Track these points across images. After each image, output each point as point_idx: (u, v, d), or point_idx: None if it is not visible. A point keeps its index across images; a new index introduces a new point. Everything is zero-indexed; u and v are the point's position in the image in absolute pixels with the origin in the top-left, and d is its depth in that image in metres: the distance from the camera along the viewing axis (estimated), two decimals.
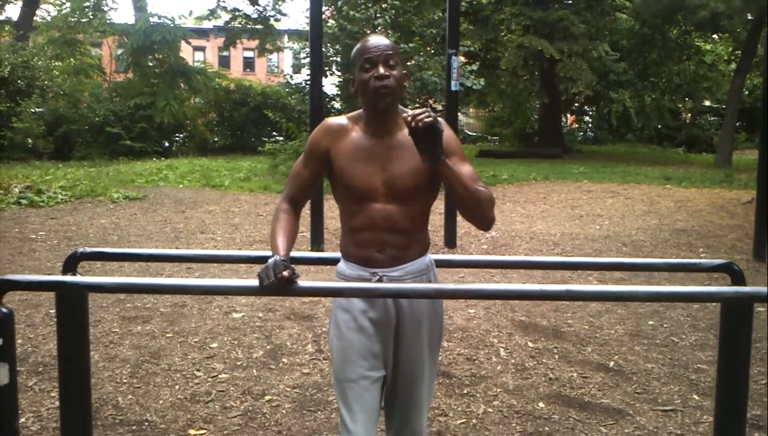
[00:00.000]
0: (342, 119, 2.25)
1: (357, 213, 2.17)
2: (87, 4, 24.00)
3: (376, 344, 2.20)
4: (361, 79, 2.14)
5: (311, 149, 2.25)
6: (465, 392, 3.79)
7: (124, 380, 3.89)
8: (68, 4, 23.92)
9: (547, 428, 3.37)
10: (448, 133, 2.15)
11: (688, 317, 5.29)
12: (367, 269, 2.19)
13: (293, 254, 2.18)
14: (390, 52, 2.13)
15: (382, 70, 2.10)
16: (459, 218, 7.96)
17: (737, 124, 25.37)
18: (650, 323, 5.13)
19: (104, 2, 24.60)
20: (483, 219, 2.12)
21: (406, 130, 2.10)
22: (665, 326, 5.07)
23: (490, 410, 3.57)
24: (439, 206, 10.36)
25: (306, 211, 8.91)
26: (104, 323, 4.89)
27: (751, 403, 3.49)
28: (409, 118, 1.92)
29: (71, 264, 2.56)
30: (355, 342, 2.19)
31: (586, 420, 3.46)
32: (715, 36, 28.99)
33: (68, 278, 2.43)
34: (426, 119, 1.91)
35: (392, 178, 2.15)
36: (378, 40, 2.16)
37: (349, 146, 2.19)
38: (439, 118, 1.99)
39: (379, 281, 2.17)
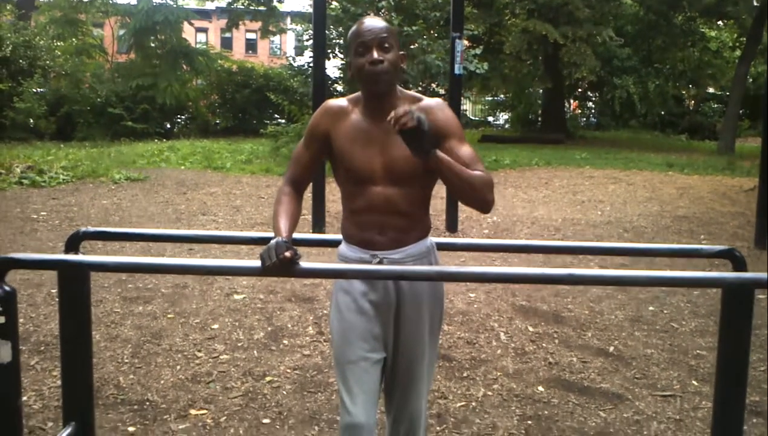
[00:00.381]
0: (342, 101, 2.24)
1: (357, 195, 2.17)
2: None
3: (377, 326, 2.21)
4: (356, 64, 2.13)
5: (312, 131, 2.24)
6: (465, 375, 3.80)
7: (126, 360, 3.91)
8: None
9: (546, 412, 3.38)
10: (447, 114, 2.16)
11: (689, 303, 5.30)
12: (368, 251, 2.19)
13: (295, 235, 2.17)
14: (384, 35, 2.11)
15: (375, 54, 2.09)
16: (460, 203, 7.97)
17: (741, 111, 25.31)
18: (650, 308, 5.14)
19: None
20: (481, 203, 2.09)
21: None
22: (665, 311, 5.08)
23: (489, 393, 3.58)
24: (440, 191, 10.32)
25: (308, 193, 8.88)
26: (106, 303, 4.90)
27: (750, 389, 3.51)
28: (392, 122, 1.91)
29: (73, 243, 2.56)
30: (356, 324, 2.20)
31: (586, 404, 3.47)
32: (720, 22, 28.82)
33: (71, 256, 2.44)
34: (409, 124, 1.89)
35: (391, 161, 2.14)
36: (372, 23, 2.14)
37: (348, 129, 2.18)
38: (431, 110, 2.07)
39: (380, 263, 2.17)
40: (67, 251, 2.55)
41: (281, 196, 2.21)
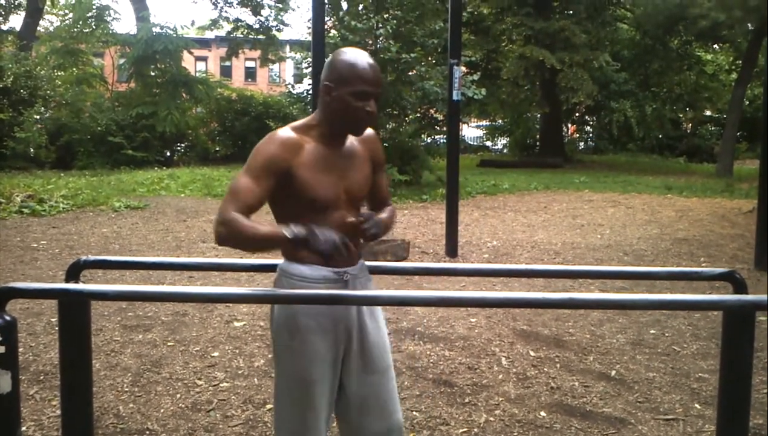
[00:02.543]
0: (290, 132, 2.19)
1: (320, 222, 2.12)
2: (90, 14, 24.11)
3: (337, 347, 2.23)
4: (350, 105, 2.14)
5: (268, 165, 2.11)
6: (466, 400, 3.79)
7: (126, 389, 3.89)
8: (71, 15, 24.03)
9: None
10: (380, 145, 2.35)
11: (690, 326, 5.29)
12: (331, 269, 2.19)
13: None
14: (380, 90, 2.20)
15: (373, 106, 2.15)
16: (461, 227, 7.97)
17: (738, 134, 25.39)
18: (652, 332, 5.13)
19: (107, 13, 24.70)
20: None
21: (354, 138, 2.26)
22: (667, 335, 5.07)
23: (491, 419, 3.56)
24: (440, 216, 10.38)
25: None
26: (105, 331, 4.89)
27: (752, 412, 3.49)
28: (361, 232, 2.12)
29: (74, 272, 2.56)
30: (319, 343, 2.19)
31: (588, 429, 3.45)
32: (716, 46, 29.07)
33: (71, 285, 2.44)
34: (374, 232, 2.13)
35: (351, 185, 2.22)
36: (377, 74, 2.16)
37: (309, 159, 2.15)
38: (373, 140, 2.29)
39: (346, 279, 2.22)
40: (67, 279, 2.55)
41: (237, 218, 2.05)
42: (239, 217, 2.05)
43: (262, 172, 2.11)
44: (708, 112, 33.45)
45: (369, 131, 2.29)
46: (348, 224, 2.18)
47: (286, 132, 2.19)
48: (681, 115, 33.05)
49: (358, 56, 2.17)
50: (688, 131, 34.19)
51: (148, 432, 3.38)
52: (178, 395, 3.81)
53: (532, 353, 4.60)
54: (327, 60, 2.24)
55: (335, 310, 2.21)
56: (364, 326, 2.27)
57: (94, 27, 24.33)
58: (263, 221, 2.08)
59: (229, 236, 2.07)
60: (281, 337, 2.23)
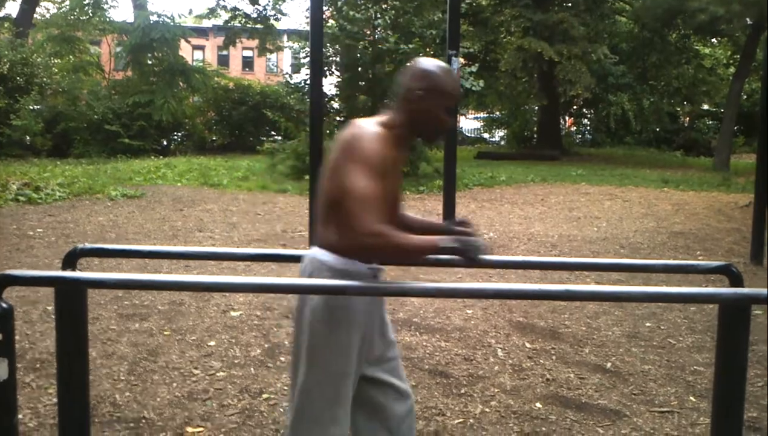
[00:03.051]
0: (383, 129, 2.20)
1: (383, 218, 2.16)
2: (86, 1, 24.05)
3: (364, 340, 2.27)
4: (438, 115, 2.22)
5: (384, 164, 2.12)
6: (462, 391, 3.79)
7: (122, 378, 3.89)
8: (68, 2, 23.96)
9: (544, 429, 3.37)
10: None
11: (685, 319, 5.30)
12: (366, 265, 2.22)
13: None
14: None
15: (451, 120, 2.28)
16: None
17: (735, 128, 25.43)
18: (647, 324, 5.14)
19: (104, 0, 24.62)
20: None
21: None
22: (662, 327, 5.08)
23: (487, 410, 3.57)
24: (437, 207, 10.38)
25: (304, 209, 8.86)
26: (102, 320, 4.89)
27: (747, 405, 3.50)
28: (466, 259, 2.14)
29: (71, 260, 2.56)
30: (354, 336, 2.22)
31: (583, 421, 3.47)
32: (714, 40, 29.06)
33: (68, 273, 2.44)
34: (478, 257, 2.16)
35: (401, 186, 2.35)
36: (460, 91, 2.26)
37: (395, 157, 2.21)
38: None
39: (375, 275, 2.28)
40: (64, 267, 2.55)
41: (387, 229, 2.05)
42: (388, 228, 2.07)
43: (380, 172, 2.10)
44: (705, 106, 33.51)
45: None
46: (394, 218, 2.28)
47: (382, 130, 2.19)
48: (678, 109, 33.08)
49: (449, 71, 2.25)
50: (686, 125, 34.25)
51: (144, 421, 3.38)
52: (175, 384, 3.82)
53: (528, 345, 4.61)
54: (415, 66, 2.27)
55: (370, 304, 2.26)
56: (384, 316, 2.38)
57: (91, 14, 24.27)
58: (406, 233, 2.13)
59: (382, 247, 2.06)
60: (320, 330, 2.21)
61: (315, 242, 2.30)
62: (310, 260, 2.26)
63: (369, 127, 2.18)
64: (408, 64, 2.31)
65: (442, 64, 2.29)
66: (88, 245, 2.67)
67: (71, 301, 2.46)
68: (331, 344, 2.22)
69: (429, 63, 2.25)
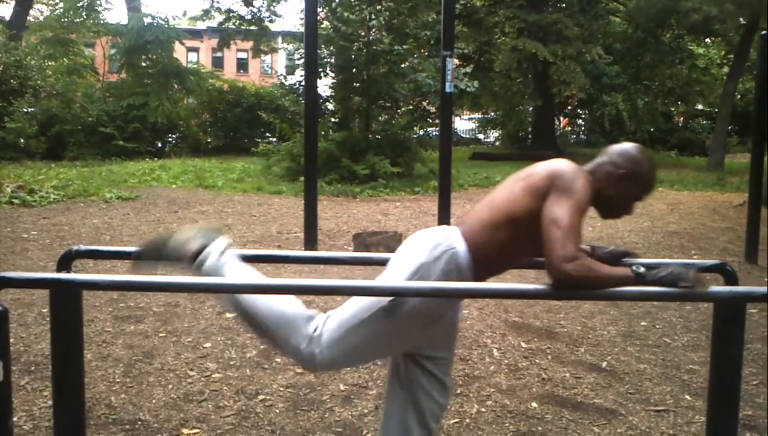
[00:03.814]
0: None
1: (529, 254, 2.38)
2: (80, 4, 24.02)
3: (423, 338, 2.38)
4: (625, 201, 2.41)
5: (587, 208, 2.28)
6: (458, 391, 3.79)
7: (117, 380, 3.89)
8: (61, 4, 23.92)
9: (540, 428, 3.38)
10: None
11: (681, 318, 5.31)
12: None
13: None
14: None
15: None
16: (452, 220, 7.98)
17: (729, 127, 25.49)
18: (643, 323, 5.15)
19: (98, 2, 24.60)
20: None
21: None
22: (657, 326, 5.09)
23: (483, 409, 3.58)
24: (432, 208, 10.38)
25: (299, 210, 8.81)
26: (97, 322, 4.88)
27: (743, 403, 3.51)
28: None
29: (65, 262, 2.56)
30: (422, 336, 2.34)
31: (579, 420, 3.47)
32: (708, 40, 29.13)
33: (63, 275, 2.43)
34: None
35: None
36: None
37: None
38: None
39: None
40: (59, 269, 2.54)
41: (589, 260, 2.14)
42: (589, 259, 2.14)
43: (583, 213, 2.25)
44: (700, 106, 33.56)
45: None
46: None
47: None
48: (673, 109, 33.13)
49: (654, 169, 2.41)
50: (680, 125, 34.27)
51: (139, 423, 3.37)
52: (170, 386, 3.81)
53: (523, 345, 4.61)
54: (629, 149, 2.40)
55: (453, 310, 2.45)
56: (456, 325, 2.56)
57: (84, 17, 24.24)
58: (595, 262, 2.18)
59: (583, 275, 2.09)
60: (403, 310, 2.23)
61: (462, 228, 2.34)
62: (449, 245, 2.28)
63: (580, 170, 2.31)
64: (626, 144, 2.43)
65: (653, 161, 2.41)
66: (82, 247, 2.66)
67: (66, 303, 2.46)
68: (403, 325, 2.26)
69: (642, 153, 2.39)
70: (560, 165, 2.29)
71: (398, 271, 2.28)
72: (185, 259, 2.36)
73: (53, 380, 2.48)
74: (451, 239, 2.29)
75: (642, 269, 2.14)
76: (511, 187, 2.33)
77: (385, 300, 2.22)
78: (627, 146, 2.40)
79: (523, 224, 2.25)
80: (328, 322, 2.26)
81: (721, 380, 2.56)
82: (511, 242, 2.28)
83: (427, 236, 2.33)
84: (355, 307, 2.26)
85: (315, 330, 2.24)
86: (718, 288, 2.30)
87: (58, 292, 2.42)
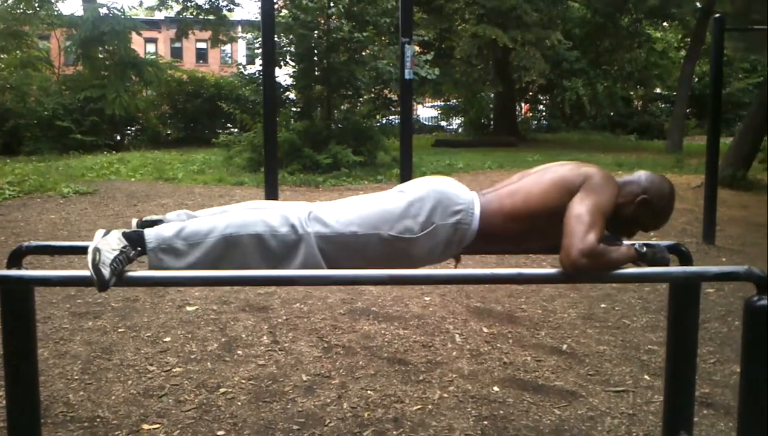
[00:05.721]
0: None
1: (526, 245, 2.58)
2: None
3: None
4: (636, 225, 2.49)
5: (609, 211, 2.32)
6: (421, 378, 3.80)
7: (75, 377, 3.82)
8: None
9: (501, 412, 3.39)
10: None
11: (640, 299, 5.38)
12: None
13: None
14: None
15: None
16: None
17: (687, 110, 25.86)
18: (602, 306, 5.21)
19: None
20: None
21: None
22: (617, 308, 5.15)
23: (445, 395, 3.59)
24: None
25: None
26: (54, 319, 4.79)
27: (701, 381, 3.57)
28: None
29: (15, 259, 2.50)
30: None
31: (540, 403, 3.50)
32: (665, 24, 29.50)
33: (12, 272, 2.37)
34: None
35: None
36: None
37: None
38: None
39: None
40: (9, 266, 2.48)
41: (603, 247, 2.17)
42: (603, 246, 2.17)
43: (609, 213, 2.30)
44: (658, 90, 34.03)
45: None
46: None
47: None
48: (632, 93, 33.56)
49: (672, 204, 2.52)
50: (639, 109, 34.73)
51: (98, 420, 3.32)
52: (130, 382, 3.76)
53: (485, 330, 4.63)
54: (660, 179, 2.51)
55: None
56: None
57: (38, 8, 23.66)
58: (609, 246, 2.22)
59: (597, 265, 2.14)
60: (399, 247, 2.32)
61: (483, 202, 2.41)
62: (466, 219, 2.36)
63: (613, 179, 2.43)
64: (659, 177, 2.53)
65: (673, 201, 2.54)
66: (33, 243, 2.60)
67: (17, 300, 2.40)
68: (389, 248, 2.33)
69: (670, 187, 2.51)
70: (594, 168, 2.40)
71: (412, 218, 2.32)
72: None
73: (6, 380, 2.42)
74: (470, 213, 2.36)
75: (644, 249, 2.28)
76: (539, 179, 2.40)
77: (385, 235, 2.29)
78: (660, 178, 2.52)
79: (541, 219, 2.34)
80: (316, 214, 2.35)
81: (677, 359, 2.59)
82: (522, 233, 2.38)
83: (452, 194, 2.38)
84: (353, 213, 2.33)
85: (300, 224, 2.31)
86: (673, 269, 2.32)
87: (8, 289, 2.36)
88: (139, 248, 2.27)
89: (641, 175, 2.52)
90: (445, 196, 2.35)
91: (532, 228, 2.37)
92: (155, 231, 2.32)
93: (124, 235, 2.27)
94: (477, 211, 2.37)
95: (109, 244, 2.20)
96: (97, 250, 2.15)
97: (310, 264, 2.26)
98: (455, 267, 2.53)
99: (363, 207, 2.35)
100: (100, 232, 2.29)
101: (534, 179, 2.42)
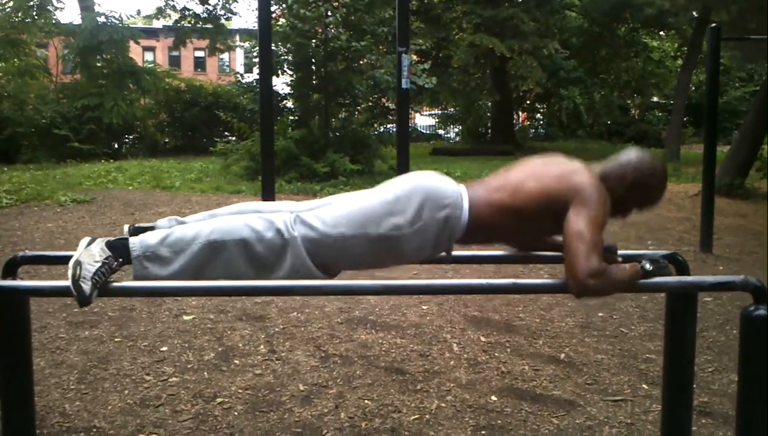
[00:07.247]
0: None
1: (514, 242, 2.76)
2: (31, 3, 23.44)
3: None
4: (627, 208, 2.52)
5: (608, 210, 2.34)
6: (418, 387, 3.79)
7: (72, 387, 3.81)
8: (11, 3, 23.33)
9: (499, 421, 3.38)
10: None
11: (637, 308, 5.38)
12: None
13: None
14: None
15: None
16: None
17: (684, 119, 25.91)
18: (600, 314, 5.20)
19: (50, 1, 24.06)
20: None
21: None
22: (615, 317, 5.15)
23: (443, 405, 3.58)
24: None
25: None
26: (50, 328, 4.78)
27: (698, 390, 3.57)
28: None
29: (11, 269, 2.49)
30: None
31: (538, 412, 3.49)
32: (662, 33, 29.58)
33: (7, 282, 2.37)
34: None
35: None
36: None
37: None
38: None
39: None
40: (4, 276, 2.48)
41: (606, 268, 2.18)
42: (608, 268, 2.18)
43: (607, 220, 2.32)
44: (655, 98, 34.11)
45: None
46: None
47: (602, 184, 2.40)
48: (629, 102, 33.64)
49: (665, 189, 2.53)
50: (636, 117, 34.80)
51: (95, 430, 3.31)
52: (126, 391, 3.74)
53: (483, 339, 4.63)
54: (649, 160, 2.47)
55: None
56: None
57: (36, 16, 23.65)
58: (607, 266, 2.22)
59: (602, 287, 2.17)
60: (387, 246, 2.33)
61: (471, 195, 2.40)
62: (454, 215, 2.35)
63: (596, 179, 2.37)
64: (648, 155, 2.49)
65: (666, 174, 2.54)
66: (29, 253, 2.60)
67: (12, 310, 2.39)
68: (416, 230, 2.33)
69: (663, 169, 2.51)
70: (579, 177, 2.33)
71: (400, 214, 2.31)
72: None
73: (1, 390, 2.41)
74: (458, 206, 2.34)
75: (648, 266, 2.26)
76: (527, 177, 2.40)
77: (374, 234, 2.28)
78: (649, 159, 2.50)
79: (528, 220, 2.34)
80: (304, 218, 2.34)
81: (675, 367, 2.59)
82: (511, 228, 2.39)
83: (439, 188, 2.36)
84: (339, 213, 2.32)
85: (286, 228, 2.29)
86: (669, 278, 2.32)
87: (3, 300, 2.36)
88: (121, 259, 2.26)
89: (631, 156, 2.50)
90: (433, 191, 2.34)
91: (521, 224, 2.37)
92: (140, 239, 2.31)
93: (108, 244, 2.26)
94: (465, 204, 2.36)
95: (92, 255, 2.18)
96: (78, 263, 2.13)
97: (299, 268, 2.25)
98: (446, 262, 2.54)
99: (349, 206, 2.34)
100: (84, 241, 2.28)
101: (521, 178, 2.42)
